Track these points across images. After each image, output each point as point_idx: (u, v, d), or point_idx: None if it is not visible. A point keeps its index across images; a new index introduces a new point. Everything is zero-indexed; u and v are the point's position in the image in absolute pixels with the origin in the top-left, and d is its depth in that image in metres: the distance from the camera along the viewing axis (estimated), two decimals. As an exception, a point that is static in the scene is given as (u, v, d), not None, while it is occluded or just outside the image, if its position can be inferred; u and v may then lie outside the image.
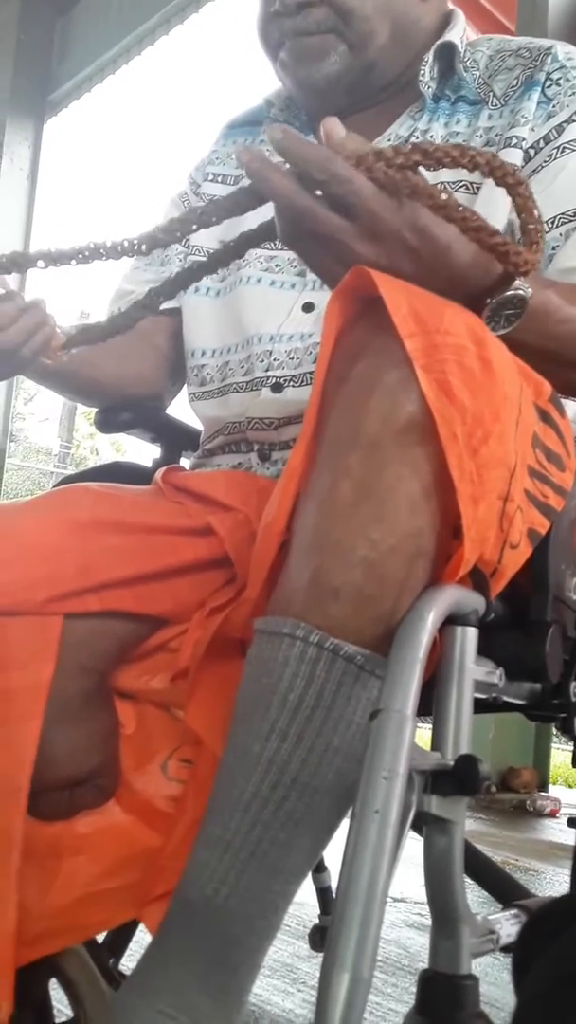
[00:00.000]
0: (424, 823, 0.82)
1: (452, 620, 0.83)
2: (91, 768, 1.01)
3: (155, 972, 0.79)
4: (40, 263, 0.90)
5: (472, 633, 0.84)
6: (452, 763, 0.80)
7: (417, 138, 1.17)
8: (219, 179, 1.34)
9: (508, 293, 0.88)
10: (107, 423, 1.30)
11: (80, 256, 0.88)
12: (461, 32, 1.22)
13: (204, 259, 0.95)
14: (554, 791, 5.20)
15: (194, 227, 0.87)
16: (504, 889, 1.21)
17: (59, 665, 0.96)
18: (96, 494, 1.05)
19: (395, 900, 2.33)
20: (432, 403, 0.77)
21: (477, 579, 0.85)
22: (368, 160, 0.79)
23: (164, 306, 1.30)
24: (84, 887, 1.01)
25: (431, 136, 1.17)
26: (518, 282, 0.87)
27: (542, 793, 4.76)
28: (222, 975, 0.79)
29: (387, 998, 1.68)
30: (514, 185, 0.81)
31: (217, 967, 0.79)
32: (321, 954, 1.07)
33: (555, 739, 5.60)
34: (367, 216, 0.82)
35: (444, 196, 0.80)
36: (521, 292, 0.88)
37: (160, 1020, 0.75)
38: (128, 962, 1.14)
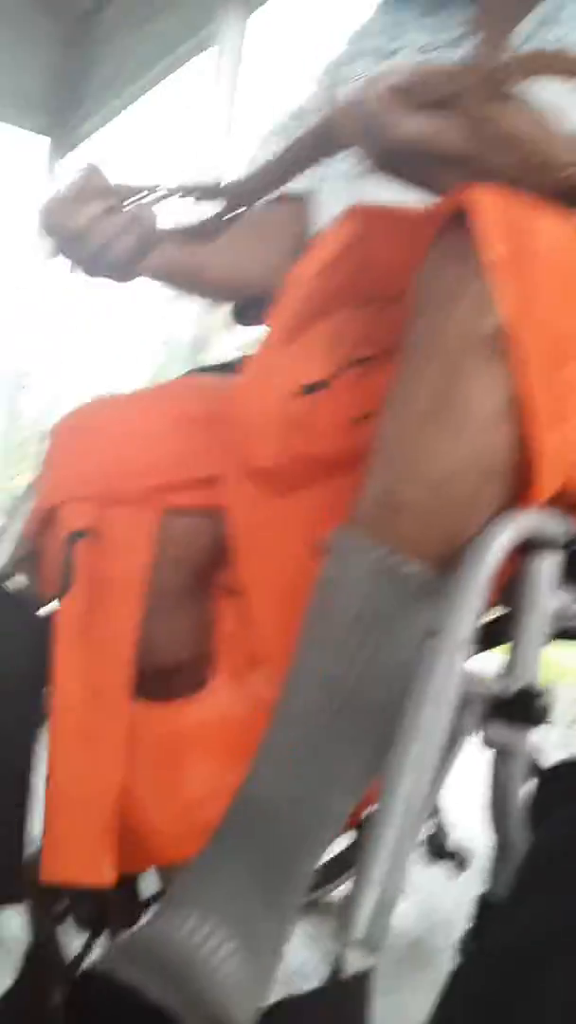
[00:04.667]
0: (489, 747, 0.81)
1: (532, 544, 0.80)
2: (184, 659, 1.03)
3: (210, 864, 0.81)
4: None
5: (552, 559, 0.80)
6: (515, 692, 0.78)
7: None
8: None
9: None
10: (242, 317, 1.29)
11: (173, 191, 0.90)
12: None
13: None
14: None
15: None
16: None
17: (158, 559, 0.98)
18: (209, 387, 1.05)
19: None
20: (512, 317, 0.73)
21: (566, 503, 0.81)
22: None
23: (298, 188, 1.26)
24: (211, 779, 1.04)
25: None
26: None
27: None
28: (272, 878, 0.80)
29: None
30: None
31: (268, 869, 0.80)
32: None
33: None
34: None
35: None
36: None
37: (209, 908, 0.76)
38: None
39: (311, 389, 0.88)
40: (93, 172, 1.01)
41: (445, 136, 0.76)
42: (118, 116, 6.84)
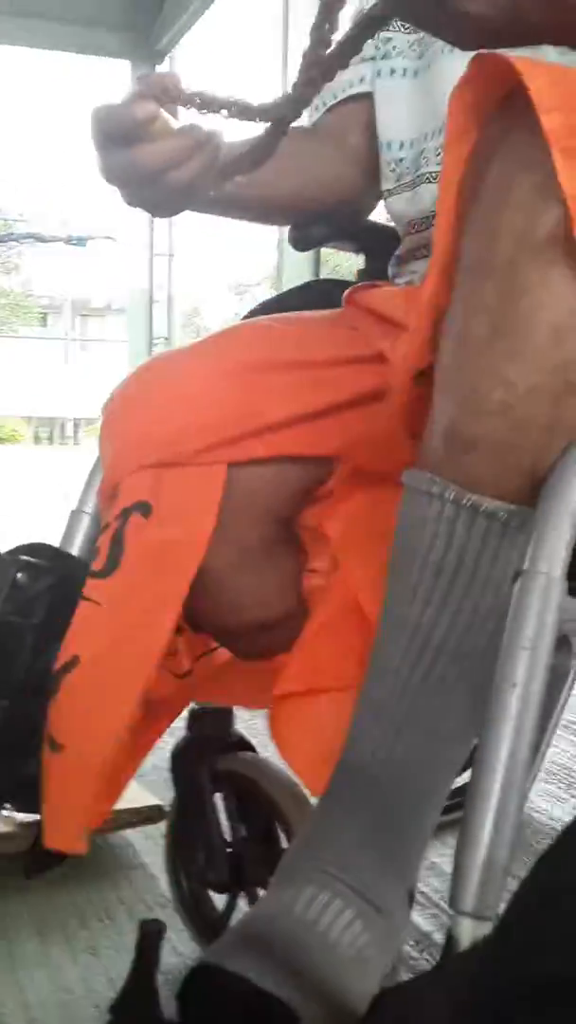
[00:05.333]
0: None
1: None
2: (280, 613, 0.99)
3: (320, 834, 0.78)
4: (196, 101, 0.82)
5: None
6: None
7: None
8: None
9: None
10: (301, 240, 1.21)
11: (232, 108, 0.81)
12: None
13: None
14: None
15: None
16: None
17: (235, 515, 0.93)
18: (262, 331, 0.99)
19: None
20: (575, 204, 0.64)
21: None
22: None
23: (357, 90, 1.18)
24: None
25: None
26: None
27: None
28: (387, 839, 0.77)
29: None
30: None
31: (381, 830, 0.76)
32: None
33: None
34: None
35: None
36: None
37: (323, 879, 0.74)
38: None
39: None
40: (163, 77, 0.90)
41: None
42: (196, 22, 6.65)
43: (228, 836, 1.07)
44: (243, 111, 0.81)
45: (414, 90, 1.12)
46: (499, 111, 0.70)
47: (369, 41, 1.17)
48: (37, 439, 25.53)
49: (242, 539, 0.95)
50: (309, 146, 1.17)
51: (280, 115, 0.80)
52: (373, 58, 1.15)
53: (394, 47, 1.13)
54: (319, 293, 1.19)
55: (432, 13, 0.69)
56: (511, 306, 0.68)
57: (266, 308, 1.18)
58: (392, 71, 1.15)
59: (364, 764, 0.77)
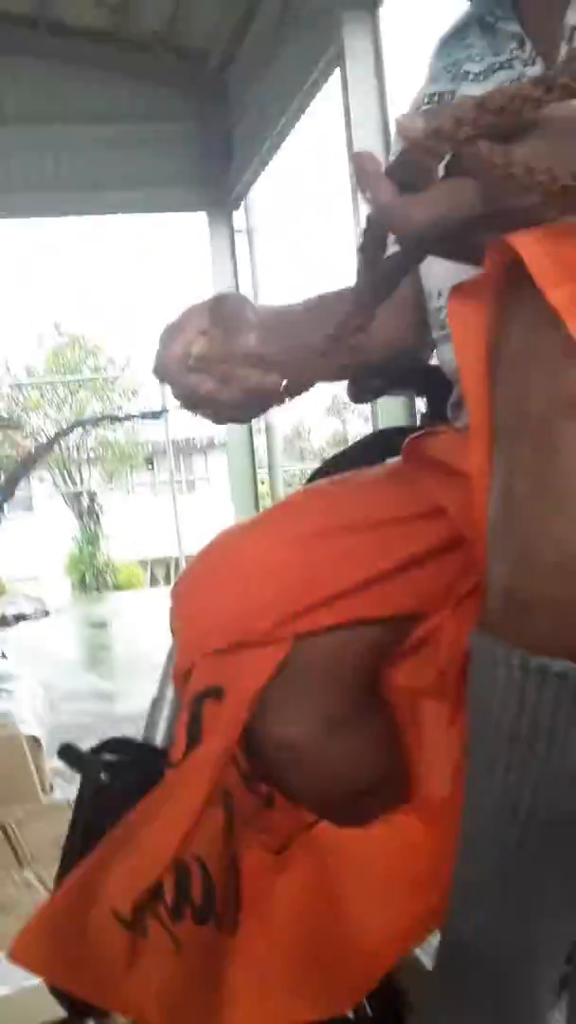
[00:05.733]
0: None
1: None
2: (373, 778, 0.97)
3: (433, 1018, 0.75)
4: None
5: None
6: None
7: None
8: (435, 98, 1.20)
9: None
10: (360, 395, 1.22)
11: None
12: None
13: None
14: None
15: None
16: None
17: (310, 684, 0.92)
18: (320, 496, 1.00)
19: None
20: None
21: None
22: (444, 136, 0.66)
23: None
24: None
25: None
26: None
27: None
28: (503, 1018, 0.73)
29: None
30: None
31: (495, 1013, 0.73)
32: None
33: None
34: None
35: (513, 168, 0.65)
36: None
37: None
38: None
39: None
40: (222, 306, 0.93)
41: (461, 205, 0.67)
42: (266, 166, 6.89)
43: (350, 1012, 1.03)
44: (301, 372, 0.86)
45: None
46: (508, 277, 0.70)
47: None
48: (154, 581, 25.83)
49: (321, 708, 0.93)
50: None
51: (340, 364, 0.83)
52: None
53: None
54: (383, 444, 1.19)
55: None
56: (550, 463, 0.67)
57: (330, 466, 1.19)
58: None
59: (464, 946, 0.74)
